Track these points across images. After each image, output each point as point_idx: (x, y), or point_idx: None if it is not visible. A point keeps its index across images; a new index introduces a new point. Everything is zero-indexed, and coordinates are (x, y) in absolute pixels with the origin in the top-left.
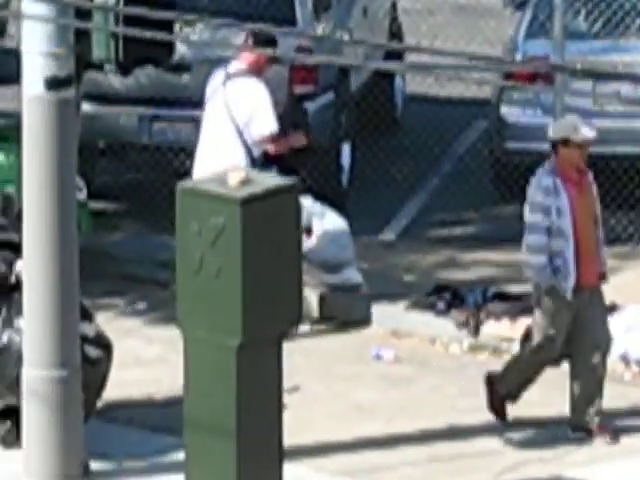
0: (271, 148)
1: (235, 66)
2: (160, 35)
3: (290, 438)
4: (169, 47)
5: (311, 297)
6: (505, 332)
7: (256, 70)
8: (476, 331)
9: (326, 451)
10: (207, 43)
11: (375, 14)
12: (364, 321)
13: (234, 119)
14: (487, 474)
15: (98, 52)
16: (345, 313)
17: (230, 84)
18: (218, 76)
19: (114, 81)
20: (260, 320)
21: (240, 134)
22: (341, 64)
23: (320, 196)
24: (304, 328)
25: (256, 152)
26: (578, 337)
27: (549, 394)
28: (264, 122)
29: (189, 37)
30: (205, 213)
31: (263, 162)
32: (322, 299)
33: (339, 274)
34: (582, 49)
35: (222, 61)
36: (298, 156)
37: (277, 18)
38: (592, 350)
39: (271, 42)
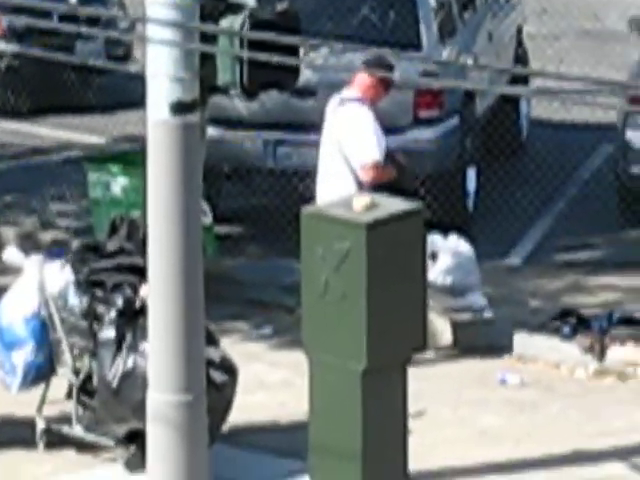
0: (369, 179)
1: (348, 92)
2: (286, 59)
3: (415, 463)
4: (294, 71)
5: (438, 322)
6: (631, 356)
7: (369, 96)
8: (601, 356)
9: (451, 476)
10: (332, 67)
11: (500, 39)
12: (491, 346)
13: (342, 147)
14: None
15: (223, 76)
16: (471, 339)
17: (340, 111)
18: (334, 101)
19: (239, 105)
20: (385, 345)
21: (347, 162)
22: (466, 88)
23: (446, 221)
24: (430, 354)
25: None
26: None
27: None
28: (366, 150)
29: (314, 61)
30: (330, 237)
31: (373, 189)
32: (449, 325)
33: (464, 299)
34: None
35: (346, 85)
36: (402, 181)
37: (402, 42)
38: None
39: (387, 67)
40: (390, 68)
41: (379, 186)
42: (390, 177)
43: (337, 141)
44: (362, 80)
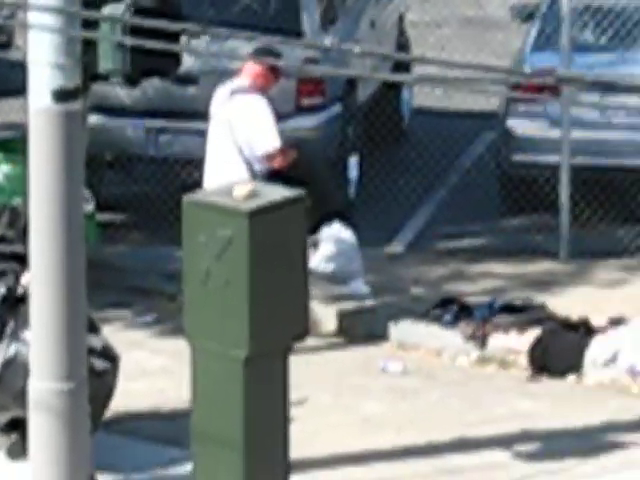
0: (276, 165)
1: (238, 82)
2: (167, 46)
3: (297, 450)
4: (176, 59)
5: (320, 310)
6: (512, 344)
7: (260, 85)
8: (483, 344)
9: (333, 463)
10: (214, 54)
11: (383, 26)
12: (372, 334)
13: (235, 136)
14: None
15: (105, 64)
16: (354, 326)
17: (233, 100)
18: (222, 91)
19: (121, 93)
20: (267, 332)
21: (240, 151)
22: (348, 75)
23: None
24: (312, 341)
25: (257, 168)
26: None
27: (556, 406)
28: (267, 139)
29: (196, 49)
30: (212, 225)
31: (266, 178)
32: (333, 313)
33: (346, 286)
34: (589, 61)
35: (229, 73)
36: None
37: (284, 30)
38: None
39: (274, 55)
40: (278, 56)
41: (272, 174)
42: (292, 159)
43: (230, 130)
44: (251, 69)
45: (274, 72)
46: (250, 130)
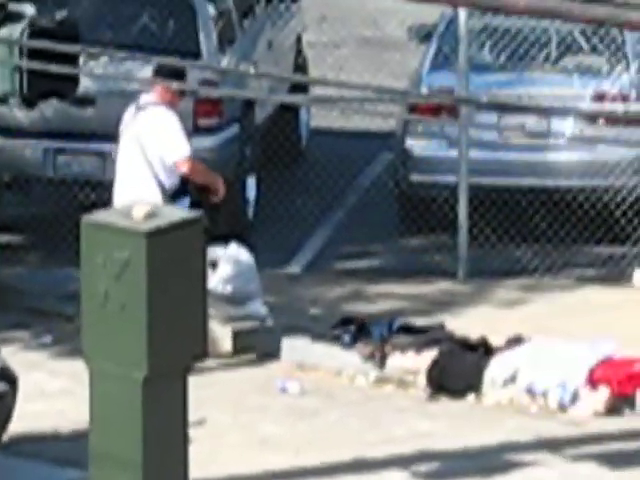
0: (187, 170)
1: (145, 98)
2: (64, 68)
3: (196, 471)
4: (73, 81)
5: (218, 330)
6: (411, 365)
7: (168, 99)
8: (382, 364)
9: None
10: (112, 76)
11: (280, 47)
12: (271, 354)
13: (145, 150)
14: None
15: (2, 85)
16: (252, 347)
17: (140, 116)
18: (130, 110)
19: (19, 114)
20: (165, 353)
21: (151, 166)
22: (246, 97)
23: (226, 230)
24: (211, 362)
25: (167, 184)
26: None
27: (455, 426)
28: (177, 147)
29: (94, 70)
30: (110, 246)
31: (175, 195)
32: (230, 333)
33: (245, 307)
34: (487, 81)
35: (126, 94)
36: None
37: (182, 51)
38: None
39: (178, 75)
40: (182, 75)
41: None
42: (205, 175)
43: (139, 146)
44: (157, 86)
45: (178, 90)
46: (160, 141)
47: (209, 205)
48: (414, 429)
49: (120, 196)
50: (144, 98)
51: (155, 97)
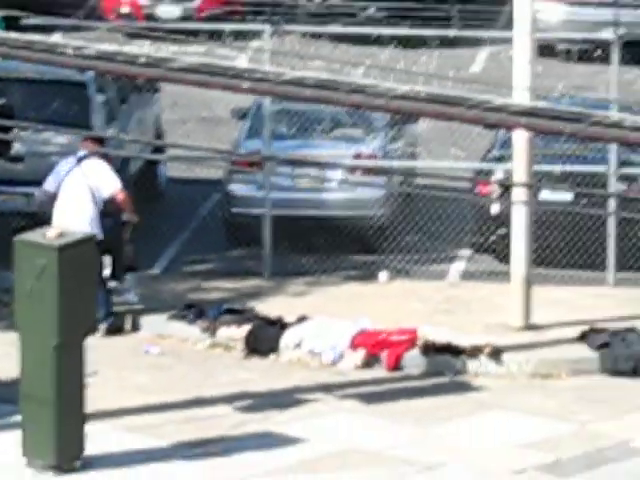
0: (122, 197)
1: (83, 152)
2: (2, 136)
3: (91, 406)
4: (8, 144)
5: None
6: (233, 334)
7: (95, 154)
8: (214, 334)
9: (116, 415)
10: (35, 141)
11: (146, 122)
12: (139, 328)
13: (89, 185)
14: (218, 429)
15: None
16: (127, 323)
17: (84, 163)
18: (69, 160)
19: None
20: (71, 327)
21: (93, 195)
22: (123, 155)
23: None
24: (99, 334)
25: (100, 207)
26: None
27: (263, 376)
28: (112, 182)
29: (23, 137)
30: (33, 256)
31: (103, 216)
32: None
33: (122, 296)
34: (284, 145)
35: (45, 154)
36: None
37: (81, 125)
38: None
39: (100, 139)
40: (102, 141)
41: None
42: (129, 203)
43: (86, 186)
44: (87, 145)
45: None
46: (98, 180)
47: (125, 238)
48: (236, 378)
49: (65, 217)
50: (81, 152)
51: (88, 152)
